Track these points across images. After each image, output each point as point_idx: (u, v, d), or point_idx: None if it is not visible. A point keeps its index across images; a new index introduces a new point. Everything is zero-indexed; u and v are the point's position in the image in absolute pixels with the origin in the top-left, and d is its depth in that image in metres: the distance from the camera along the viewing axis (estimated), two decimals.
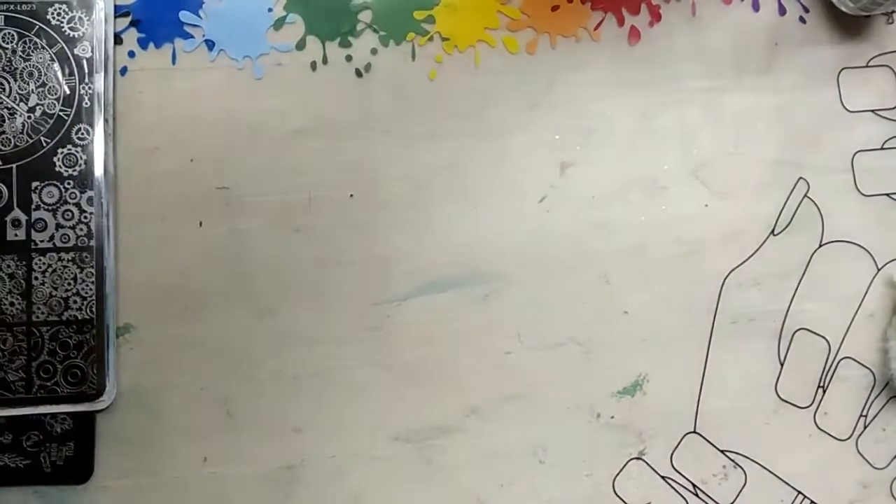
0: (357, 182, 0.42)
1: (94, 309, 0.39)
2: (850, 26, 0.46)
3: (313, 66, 0.42)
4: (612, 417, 0.43)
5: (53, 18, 0.39)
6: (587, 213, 0.43)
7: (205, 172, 0.41)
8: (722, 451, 0.44)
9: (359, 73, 0.42)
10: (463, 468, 0.42)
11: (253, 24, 0.41)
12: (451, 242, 0.42)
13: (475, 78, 0.43)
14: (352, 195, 0.41)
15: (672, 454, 0.44)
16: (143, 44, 0.41)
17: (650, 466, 0.43)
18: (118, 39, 0.40)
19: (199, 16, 0.41)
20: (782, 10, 0.45)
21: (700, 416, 0.44)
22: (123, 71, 0.40)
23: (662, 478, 0.44)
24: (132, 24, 0.41)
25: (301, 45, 0.42)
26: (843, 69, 0.46)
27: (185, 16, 0.41)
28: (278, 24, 0.41)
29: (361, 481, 0.41)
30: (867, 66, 0.46)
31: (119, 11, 0.40)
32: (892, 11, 0.46)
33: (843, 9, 0.45)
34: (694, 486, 0.44)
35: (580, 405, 0.43)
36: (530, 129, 0.43)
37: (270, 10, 0.41)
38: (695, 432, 0.44)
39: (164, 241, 0.40)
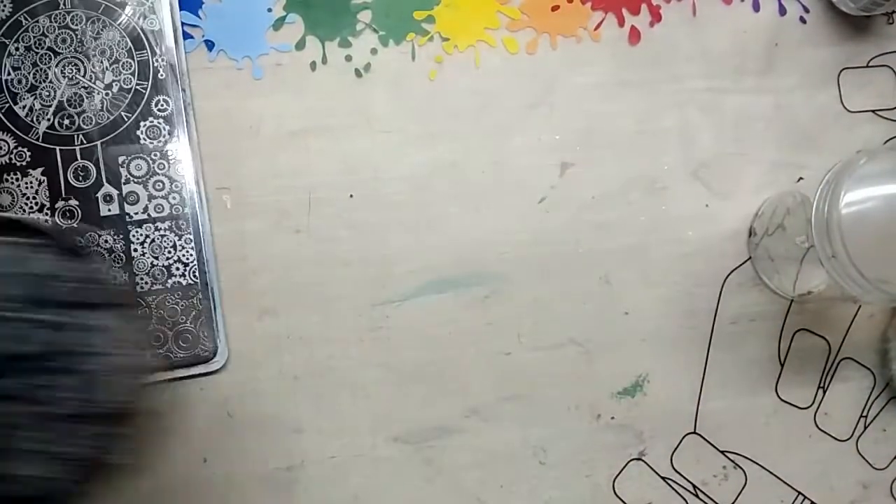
0: (357, 182, 0.42)
1: (196, 274, 0.39)
2: (850, 26, 0.46)
3: (313, 66, 0.42)
4: (613, 418, 0.43)
5: None
6: (587, 214, 0.43)
7: (205, 172, 0.41)
8: (722, 452, 0.44)
9: (358, 73, 0.42)
10: (463, 469, 0.42)
11: (252, 25, 0.41)
12: (451, 243, 0.42)
13: (475, 78, 0.43)
14: (352, 195, 0.41)
15: (672, 455, 0.44)
16: None
17: (650, 467, 0.43)
18: None
19: (198, 16, 0.41)
20: (782, 11, 0.45)
21: (700, 417, 0.44)
22: None
23: (662, 478, 0.44)
24: None
25: (301, 46, 0.42)
26: (843, 69, 0.46)
27: (184, 16, 0.41)
28: (278, 24, 0.41)
29: (361, 481, 0.41)
30: (867, 67, 0.46)
31: None
32: (893, 12, 0.46)
33: (844, 9, 0.45)
34: (694, 486, 0.44)
35: (580, 405, 0.43)
36: (530, 129, 0.43)
37: (270, 10, 0.41)
38: (695, 433, 0.44)
39: None
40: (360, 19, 0.42)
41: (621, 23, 0.44)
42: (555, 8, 0.43)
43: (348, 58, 0.42)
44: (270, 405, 0.41)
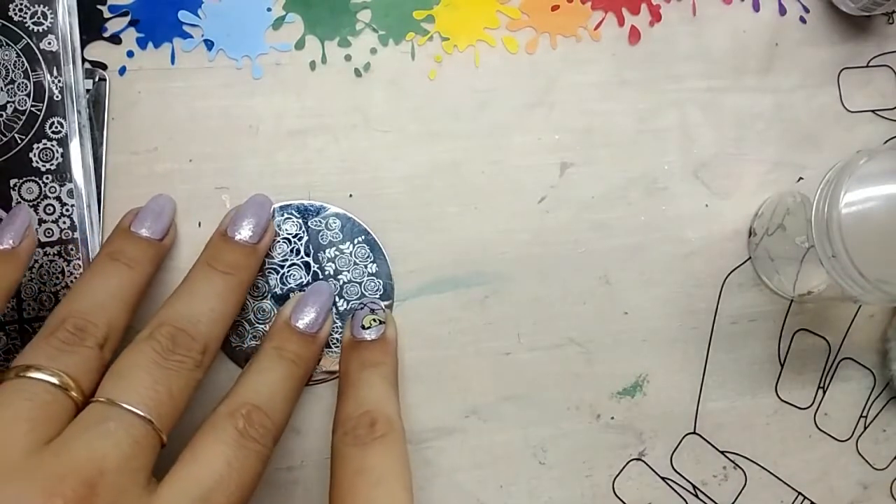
0: (357, 182, 0.41)
1: None
2: (850, 26, 0.46)
3: (312, 65, 0.42)
4: (612, 418, 0.43)
5: (16, 15, 0.39)
6: (587, 214, 0.43)
7: (204, 172, 0.41)
8: (722, 452, 0.44)
9: (358, 73, 0.42)
10: (462, 469, 0.42)
11: (252, 24, 0.41)
12: (450, 243, 0.42)
13: (475, 78, 0.43)
14: (351, 195, 0.41)
15: (672, 455, 0.44)
16: (141, 43, 0.40)
17: (650, 467, 0.43)
18: (117, 39, 0.40)
19: (198, 15, 0.41)
20: (782, 10, 0.45)
21: (700, 417, 0.44)
22: (122, 71, 0.40)
23: (662, 479, 0.43)
24: (131, 23, 0.40)
25: (300, 45, 0.42)
26: (843, 69, 0.46)
27: (184, 15, 0.41)
28: (277, 23, 0.41)
29: None
30: (867, 66, 0.46)
31: (117, 11, 0.40)
32: (893, 11, 0.46)
33: (844, 9, 0.45)
34: (694, 486, 0.44)
35: (580, 405, 0.43)
36: (530, 129, 0.43)
37: (269, 9, 0.41)
38: (695, 433, 0.44)
39: None
40: (359, 19, 0.42)
41: (621, 22, 0.44)
42: (555, 7, 0.43)
43: (348, 57, 0.42)
44: None
